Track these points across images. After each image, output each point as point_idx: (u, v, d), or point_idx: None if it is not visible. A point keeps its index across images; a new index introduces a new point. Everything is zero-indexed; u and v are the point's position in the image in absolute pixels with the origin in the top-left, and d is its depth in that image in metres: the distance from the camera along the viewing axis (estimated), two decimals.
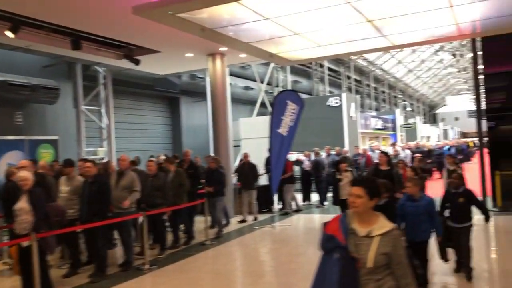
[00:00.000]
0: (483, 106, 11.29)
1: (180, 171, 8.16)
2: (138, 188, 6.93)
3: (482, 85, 11.15)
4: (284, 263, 7.17)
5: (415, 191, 5.04)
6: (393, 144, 16.53)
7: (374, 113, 25.67)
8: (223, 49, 10.16)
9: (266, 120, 19.42)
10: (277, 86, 23.49)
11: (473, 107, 46.70)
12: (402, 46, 10.30)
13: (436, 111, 60.40)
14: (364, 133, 20.98)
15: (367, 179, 2.79)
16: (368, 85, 38.36)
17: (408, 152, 16.00)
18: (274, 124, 9.70)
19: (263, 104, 19.43)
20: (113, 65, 11.95)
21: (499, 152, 10.92)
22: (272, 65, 22.23)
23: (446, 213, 5.74)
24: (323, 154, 13.22)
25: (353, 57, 34.16)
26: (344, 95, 17.48)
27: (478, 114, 11.35)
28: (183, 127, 17.66)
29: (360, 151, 14.67)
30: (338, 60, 32.39)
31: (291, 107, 9.75)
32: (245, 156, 10.89)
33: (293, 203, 11.79)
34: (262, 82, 21.18)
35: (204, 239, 8.44)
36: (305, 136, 17.59)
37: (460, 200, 5.59)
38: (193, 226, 8.75)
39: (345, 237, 2.58)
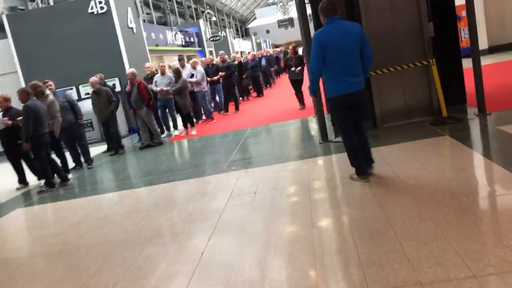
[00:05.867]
0: None
1: None
2: None
3: None
4: None
5: None
6: (181, 60, 11.52)
7: (173, 27, 20.23)
8: None
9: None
10: (32, 0, 16.24)
11: (281, 17, 44.23)
12: None
13: (248, 26, 57.87)
14: (158, 51, 15.63)
15: None
16: None
17: (199, 69, 11.10)
18: None
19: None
20: None
21: None
22: None
23: None
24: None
25: None
26: None
27: None
28: None
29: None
30: None
31: None
32: None
33: None
34: None
35: None
36: (61, 65, 11.57)
37: None
38: None
39: None
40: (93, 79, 8.69)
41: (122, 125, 11.01)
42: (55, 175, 7.11)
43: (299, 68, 10.32)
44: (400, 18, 6.62)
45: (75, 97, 11.10)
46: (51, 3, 16.36)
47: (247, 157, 6.83)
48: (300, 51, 11.79)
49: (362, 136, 4.45)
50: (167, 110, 10.38)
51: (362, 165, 4.39)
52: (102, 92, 8.61)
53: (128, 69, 9.38)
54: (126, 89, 9.21)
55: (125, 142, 10.44)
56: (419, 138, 5.74)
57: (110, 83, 10.82)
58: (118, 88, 11.35)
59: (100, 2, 11.52)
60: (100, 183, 7.09)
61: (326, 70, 4.21)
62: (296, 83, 10.54)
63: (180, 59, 11.59)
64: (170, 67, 16.35)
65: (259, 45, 41.61)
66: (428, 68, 6.60)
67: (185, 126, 10.07)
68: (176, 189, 5.71)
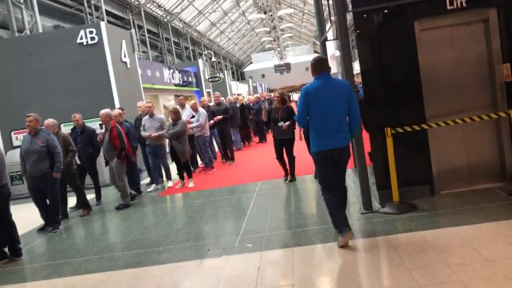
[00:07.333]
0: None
1: None
2: None
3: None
4: None
5: None
6: (180, 98, 9.86)
7: (171, 65, 18.94)
8: None
9: None
10: (20, 31, 14.79)
11: (277, 62, 43.72)
12: None
13: (244, 70, 57.48)
14: (153, 89, 14.17)
15: None
16: (167, 39, 31.45)
17: (202, 111, 9.45)
18: None
19: None
20: None
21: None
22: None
23: None
24: None
25: (143, 1, 26.69)
26: (103, 24, 10.14)
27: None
28: None
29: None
30: (122, 3, 24.47)
31: None
32: None
33: None
34: None
35: None
36: (42, 100, 9.94)
37: None
38: None
39: None
40: (48, 121, 6.86)
41: (105, 172, 9.27)
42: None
43: (287, 123, 7.28)
44: (464, 58, 5.19)
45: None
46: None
47: (266, 228, 5.10)
48: (296, 97, 9.98)
49: (343, 197, 4.39)
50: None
51: (342, 224, 4.21)
52: (59, 138, 6.70)
53: (102, 110, 7.37)
54: (98, 137, 7.43)
55: (107, 193, 8.70)
56: (507, 216, 4.13)
57: (94, 124, 9.23)
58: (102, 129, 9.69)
59: (91, 32, 10.06)
60: (68, 256, 5.28)
61: (311, 124, 4.21)
62: (285, 144, 7.56)
63: (179, 97, 10.04)
64: (165, 107, 14.86)
65: (255, 89, 40.78)
66: (499, 122, 5.11)
67: (180, 176, 8.37)
68: (170, 281, 3.95)
